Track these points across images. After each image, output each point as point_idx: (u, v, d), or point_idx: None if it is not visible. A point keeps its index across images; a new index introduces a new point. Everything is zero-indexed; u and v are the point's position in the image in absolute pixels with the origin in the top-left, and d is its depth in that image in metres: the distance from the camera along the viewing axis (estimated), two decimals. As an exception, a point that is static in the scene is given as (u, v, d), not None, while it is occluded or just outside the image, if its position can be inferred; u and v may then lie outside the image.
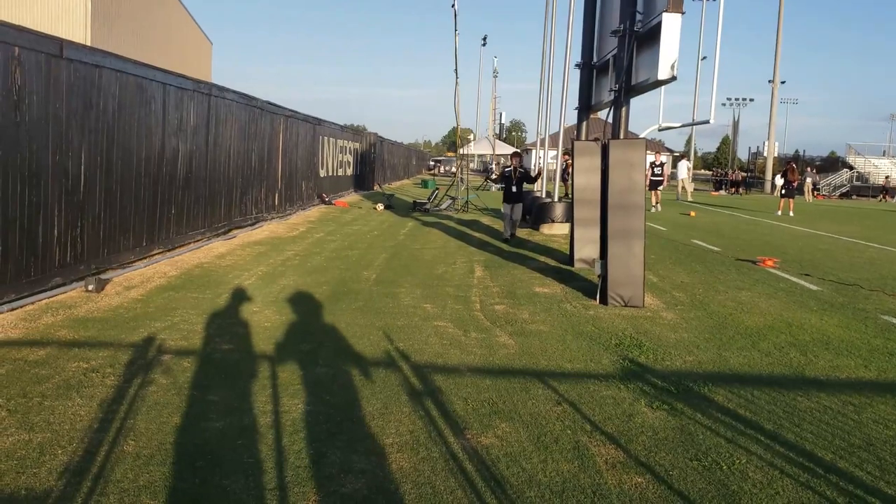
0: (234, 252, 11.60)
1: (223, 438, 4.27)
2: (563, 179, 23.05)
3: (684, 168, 37.45)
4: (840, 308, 8.88)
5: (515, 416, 4.83)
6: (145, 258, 10.03)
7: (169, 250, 10.82)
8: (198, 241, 12.01)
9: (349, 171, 28.69)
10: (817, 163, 64.58)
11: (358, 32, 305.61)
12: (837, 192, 55.39)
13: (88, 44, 18.96)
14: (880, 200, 49.18)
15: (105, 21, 32.89)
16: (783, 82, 60.07)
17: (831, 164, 66.55)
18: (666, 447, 4.41)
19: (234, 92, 13.83)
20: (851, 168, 59.28)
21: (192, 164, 11.66)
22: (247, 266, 10.32)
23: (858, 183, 56.81)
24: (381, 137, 36.67)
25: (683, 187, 35.79)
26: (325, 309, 7.82)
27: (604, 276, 8.69)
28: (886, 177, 54.87)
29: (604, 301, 8.62)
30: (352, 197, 26.97)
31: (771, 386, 5.70)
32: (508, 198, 14.92)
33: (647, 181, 25.35)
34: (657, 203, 26.05)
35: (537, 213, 17.60)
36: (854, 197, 53.66)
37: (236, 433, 4.35)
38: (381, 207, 22.07)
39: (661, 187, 26.73)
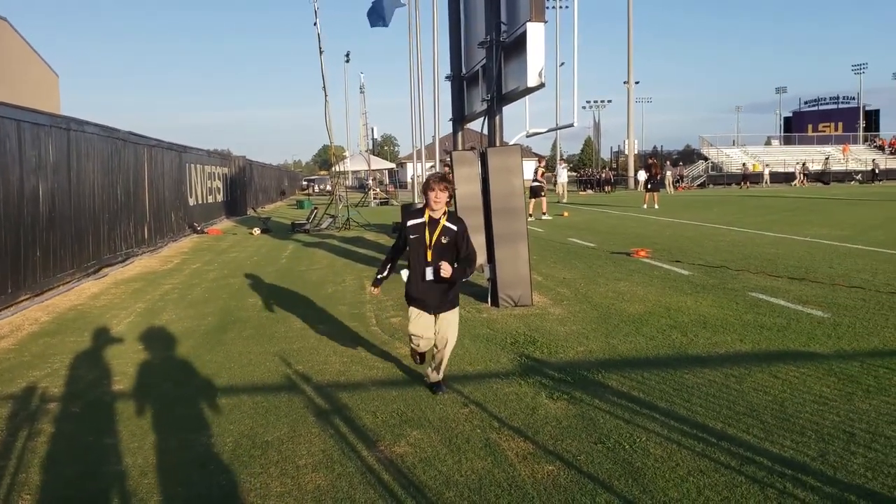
0: (107, 291, 11.06)
1: (128, 480, 4.10)
2: None
3: (564, 172, 39.68)
4: (712, 289, 9.49)
5: (425, 422, 4.89)
6: (12, 305, 9.41)
7: (37, 294, 10.20)
8: (67, 282, 11.37)
9: (220, 198, 27.94)
10: (674, 156, 68.50)
11: (218, 58, 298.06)
12: (695, 183, 58.83)
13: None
14: (744, 187, 52.77)
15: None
16: (637, 82, 63.40)
17: (687, 156, 70.73)
18: (571, 434, 4.59)
19: (94, 125, 13.21)
20: (706, 159, 63.22)
21: (54, 202, 11.05)
22: (124, 304, 9.87)
23: (714, 172, 60.62)
24: (249, 160, 35.96)
25: (562, 191, 37.68)
26: (215, 340, 7.61)
27: (493, 280, 8.91)
28: (744, 164, 58.88)
29: (495, 303, 8.83)
30: (225, 224, 26.26)
31: (658, 367, 6.03)
32: (421, 291, 5.57)
33: (530, 188, 25.32)
34: (544, 210, 24.89)
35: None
36: (711, 186, 57.20)
37: (140, 473, 4.18)
38: (258, 232, 21.62)
39: (543, 193, 25.42)
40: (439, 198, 5.31)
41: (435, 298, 5.48)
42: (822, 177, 57.87)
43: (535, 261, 12.09)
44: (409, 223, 5.46)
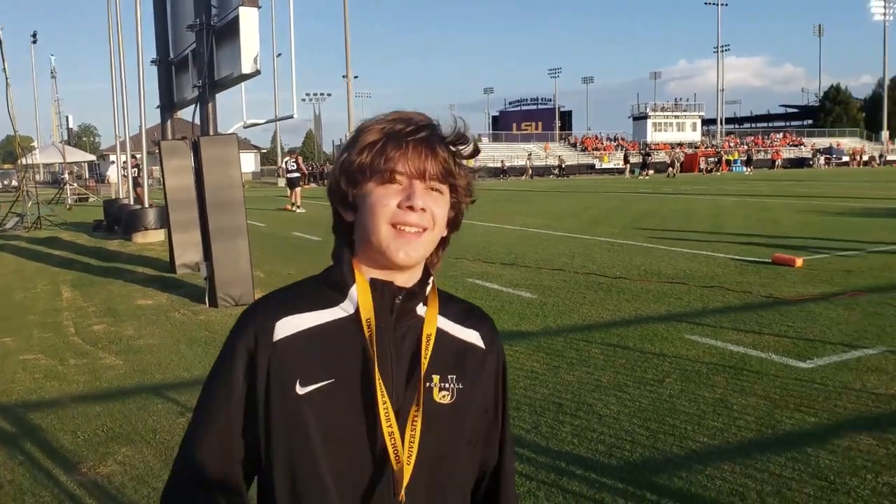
0: None
1: None
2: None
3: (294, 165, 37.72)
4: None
5: (136, 437, 4.42)
6: None
7: None
8: None
9: None
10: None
11: None
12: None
13: None
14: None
15: None
16: (356, 77, 64.49)
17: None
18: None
19: None
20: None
21: None
22: None
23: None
24: None
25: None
26: None
27: (210, 279, 8.41)
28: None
29: (214, 304, 8.34)
30: None
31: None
32: None
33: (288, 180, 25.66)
34: (298, 203, 24.56)
35: (127, 221, 16.37)
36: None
37: None
38: (-73, 236, 18.51)
39: (298, 186, 25.12)
40: (423, 202, 1.20)
41: None
42: (526, 171, 63.32)
43: (257, 257, 11.67)
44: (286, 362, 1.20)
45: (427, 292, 1.27)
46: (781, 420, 4.37)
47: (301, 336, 1.20)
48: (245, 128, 12.52)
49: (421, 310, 1.26)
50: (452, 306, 1.33)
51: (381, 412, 1.16)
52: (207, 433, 1.22)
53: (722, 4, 78.00)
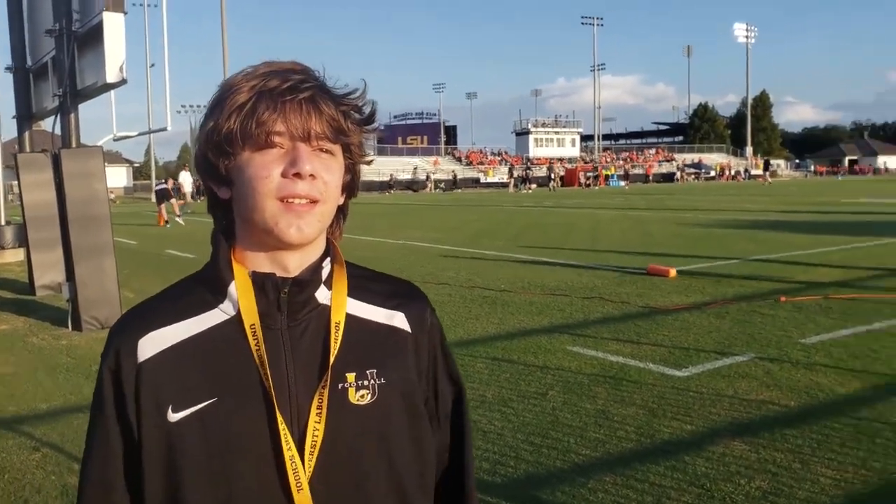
0: None
1: None
2: None
3: (189, 180, 34.65)
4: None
5: (-21, 479, 4.01)
6: None
7: None
8: None
9: None
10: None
11: None
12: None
13: None
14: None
15: None
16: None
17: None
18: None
19: None
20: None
21: None
22: None
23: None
24: None
25: (185, 199, 33.29)
26: None
27: (74, 300, 7.86)
28: None
29: (77, 327, 7.80)
30: None
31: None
32: None
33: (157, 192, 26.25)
34: (171, 215, 24.57)
35: (-19, 241, 15.17)
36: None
37: None
38: None
39: (172, 199, 25.33)
40: (311, 167, 1.00)
41: None
42: (412, 185, 63.50)
43: (126, 276, 11.04)
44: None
45: (325, 274, 1.08)
46: (660, 429, 4.45)
47: (171, 352, 1.02)
48: (115, 140, 11.90)
49: (323, 296, 1.07)
50: (371, 286, 1.14)
51: (281, 432, 0.98)
52: (89, 497, 1.04)
53: (598, 24, 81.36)
